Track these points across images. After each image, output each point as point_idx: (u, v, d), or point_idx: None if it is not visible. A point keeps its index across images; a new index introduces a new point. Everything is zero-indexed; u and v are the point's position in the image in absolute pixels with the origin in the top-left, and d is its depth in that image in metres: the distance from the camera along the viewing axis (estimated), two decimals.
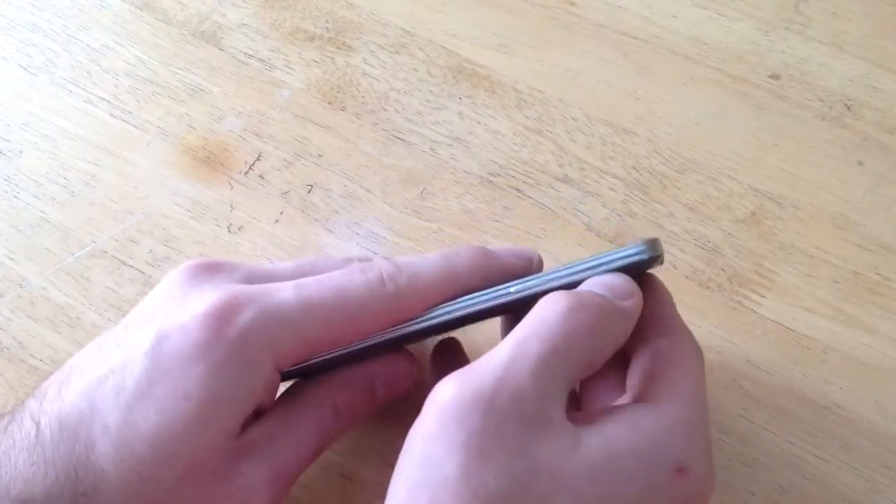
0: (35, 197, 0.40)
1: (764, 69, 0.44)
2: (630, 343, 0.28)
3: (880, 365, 0.35)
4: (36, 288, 0.38)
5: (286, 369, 0.28)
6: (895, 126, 0.42)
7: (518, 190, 0.40)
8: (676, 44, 0.45)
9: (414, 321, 0.29)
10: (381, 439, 0.34)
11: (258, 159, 0.41)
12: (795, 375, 0.35)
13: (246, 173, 0.41)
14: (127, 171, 0.41)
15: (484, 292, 0.29)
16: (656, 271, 0.30)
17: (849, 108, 0.42)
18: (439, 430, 0.23)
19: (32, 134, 0.42)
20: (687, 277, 0.38)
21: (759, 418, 0.34)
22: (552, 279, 0.28)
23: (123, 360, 0.26)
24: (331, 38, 0.45)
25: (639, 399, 0.26)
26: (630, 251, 0.28)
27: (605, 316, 0.26)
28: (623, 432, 0.24)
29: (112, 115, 0.43)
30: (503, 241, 0.39)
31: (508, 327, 0.32)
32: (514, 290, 0.29)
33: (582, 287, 0.27)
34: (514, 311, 0.29)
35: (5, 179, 0.41)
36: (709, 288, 0.37)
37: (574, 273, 0.28)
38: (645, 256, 0.27)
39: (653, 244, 0.28)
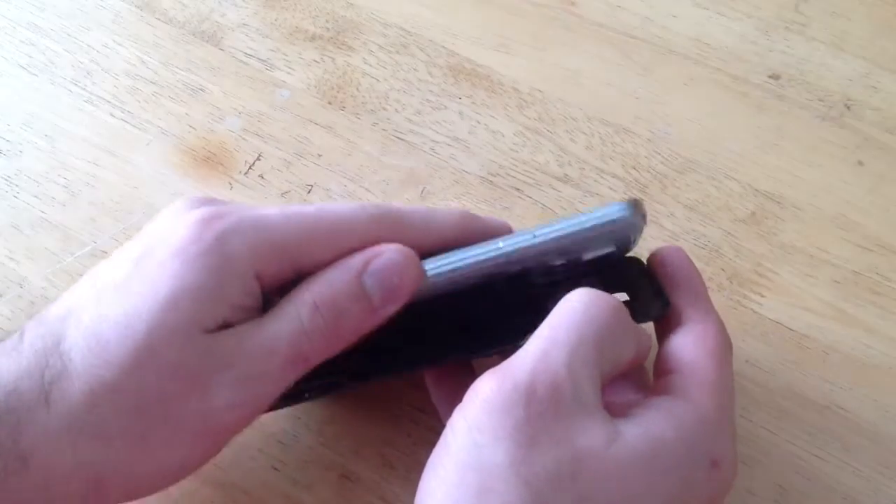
0: (35, 197, 0.40)
1: (764, 69, 0.44)
2: (661, 327, 0.29)
3: (880, 365, 0.35)
4: (36, 288, 0.38)
5: (269, 284, 0.27)
6: (895, 126, 0.42)
7: (518, 190, 0.40)
8: (677, 44, 0.45)
9: None
10: (381, 439, 0.34)
11: (258, 159, 0.41)
12: (795, 375, 0.35)
13: (246, 173, 0.41)
14: (127, 171, 0.41)
15: (474, 247, 0.28)
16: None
17: (849, 108, 0.42)
18: (485, 420, 0.24)
19: (32, 134, 0.42)
20: None
21: (759, 418, 0.34)
22: (541, 236, 0.28)
23: (110, 270, 0.27)
24: (331, 38, 0.45)
25: (670, 390, 0.27)
26: (612, 210, 0.28)
27: (622, 310, 0.27)
28: (662, 424, 0.25)
29: (112, 115, 0.43)
30: None
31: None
32: (503, 244, 0.28)
33: None
34: (510, 298, 0.29)
35: (5, 179, 0.41)
36: (709, 288, 0.37)
37: (562, 231, 0.28)
38: (626, 214, 0.27)
39: (635, 205, 0.28)
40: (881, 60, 0.44)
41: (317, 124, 0.42)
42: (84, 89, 0.44)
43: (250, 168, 0.41)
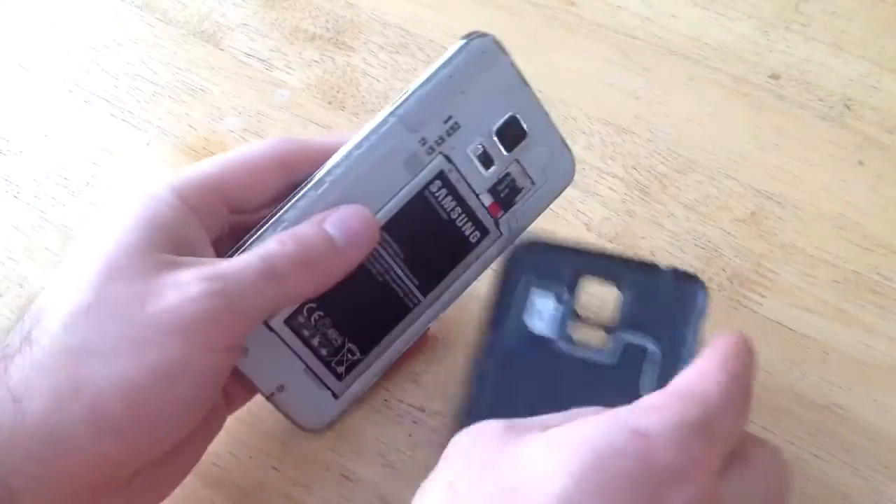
0: (35, 197, 0.40)
1: (764, 69, 0.44)
2: None
3: (880, 365, 0.35)
4: (36, 288, 0.38)
5: (209, 224, 0.29)
6: (895, 126, 0.42)
7: None
8: (676, 44, 0.45)
9: (322, 171, 0.30)
10: (382, 439, 0.34)
11: None
12: (795, 375, 0.35)
13: None
14: (127, 171, 0.41)
15: (366, 128, 0.30)
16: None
17: (849, 108, 0.42)
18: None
19: (32, 134, 0.42)
20: None
21: (759, 418, 0.34)
22: (413, 86, 0.30)
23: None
24: (331, 38, 0.45)
25: None
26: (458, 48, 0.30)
27: None
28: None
29: (112, 115, 0.43)
30: None
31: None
32: (390, 113, 0.29)
33: None
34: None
35: (5, 179, 0.41)
36: (709, 288, 0.37)
37: (432, 81, 0.30)
38: (479, 44, 0.30)
39: (482, 36, 0.30)
40: (881, 60, 0.44)
41: (317, 124, 0.42)
42: (84, 89, 0.44)
43: None
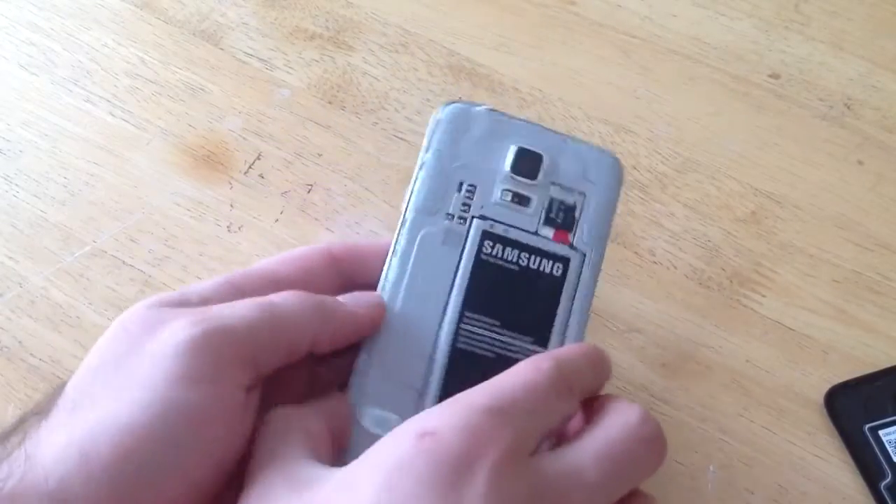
0: (35, 197, 0.40)
1: (764, 69, 0.44)
2: None
3: (880, 365, 0.35)
4: (36, 288, 0.38)
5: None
6: (895, 126, 0.42)
7: None
8: (676, 43, 0.45)
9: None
10: None
11: (258, 159, 0.41)
12: (795, 375, 0.35)
13: (246, 173, 0.41)
14: (127, 171, 0.41)
15: (393, 236, 0.30)
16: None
17: (849, 108, 0.42)
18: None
19: (32, 134, 0.42)
20: (687, 277, 0.38)
21: (759, 418, 0.34)
22: (417, 178, 0.30)
23: None
24: (331, 37, 0.45)
25: None
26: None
27: None
28: None
29: (112, 114, 0.43)
30: None
31: None
32: (405, 211, 0.30)
33: None
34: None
35: (5, 179, 0.41)
36: (709, 287, 0.37)
37: (426, 165, 0.30)
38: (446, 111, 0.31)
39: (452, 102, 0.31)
40: (881, 60, 0.44)
41: (317, 124, 0.42)
42: (84, 89, 0.44)
43: (250, 167, 0.41)
